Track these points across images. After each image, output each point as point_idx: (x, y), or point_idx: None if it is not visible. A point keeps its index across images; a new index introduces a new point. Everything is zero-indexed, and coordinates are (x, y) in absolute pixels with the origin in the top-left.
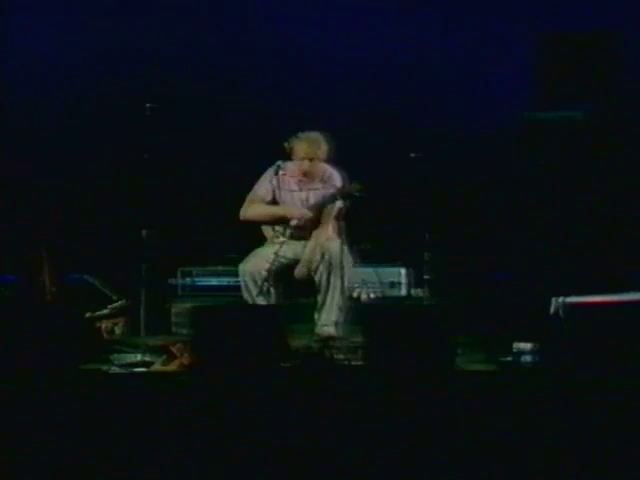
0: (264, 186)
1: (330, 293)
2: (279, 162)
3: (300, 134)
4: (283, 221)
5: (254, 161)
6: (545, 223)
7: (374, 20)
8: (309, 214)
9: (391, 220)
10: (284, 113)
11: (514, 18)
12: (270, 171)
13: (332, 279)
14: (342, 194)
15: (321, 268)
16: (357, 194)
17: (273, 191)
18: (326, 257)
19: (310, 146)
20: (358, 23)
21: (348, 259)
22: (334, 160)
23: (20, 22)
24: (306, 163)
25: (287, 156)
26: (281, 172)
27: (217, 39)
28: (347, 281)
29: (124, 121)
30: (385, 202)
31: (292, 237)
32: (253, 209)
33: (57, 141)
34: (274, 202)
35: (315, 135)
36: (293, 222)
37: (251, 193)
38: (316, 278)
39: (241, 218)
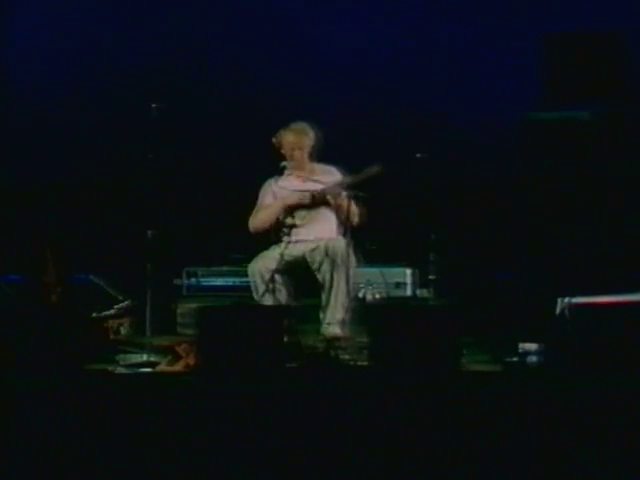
0: (266, 197)
1: (334, 292)
2: (284, 163)
3: (285, 127)
4: (287, 210)
5: (259, 161)
6: (551, 223)
7: (378, 20)
8: (307, 196)
9: (396, 220)
10: (287, 113)
11: (519, 18)
12: (270, 180)
13: (336, 278)
14: (345, 185)
15: (325, 267)
16: (362, 181)
17: (275, 197)
18: (330, 255)
19: (296, 135)
20: (361, 24)
21: (351, 259)
22: (331, 156)
23: (22, 21)
24: (297, 154)
25: (277, 151)
26: (287, 172)
27: (223, 39)
28: (351, 281)
29: (129, 121)
30: (390, 202)
31: (304, 219)
32: (258, 217)
33: (62, 141)
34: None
35: (301, 125)
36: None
37: (256, 207)
38: (320, 277)
39: (251, 231)
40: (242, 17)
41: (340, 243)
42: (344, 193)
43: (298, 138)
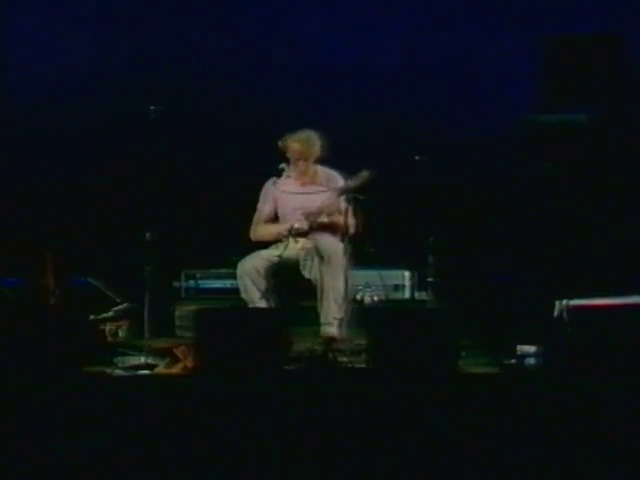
0: (267, 204)
1: (327, 292)
2: (282, 165)
3: (293, 133)
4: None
5: (258, 163)
6: (549, 226)
7: (378, 22)
8: (306, 224)
9: (395, 222)
10: (287, 116)
11: (518, 21)
12: (268, 184)
13: (327, 277)
14: (342, 191)
15: (315, 267)
16: (358, 186)
17: (275, 202)
18: (321, 255)
19: (303, 145)
20: (362, 25)
21: (343, 259)
22: (329, 158)
23: (21, 24)
24: (301, 164)
25: (282, 155)
26: (285, 175)
27: (222, 41)
28: (346, 280)
29: (128, 123)
30: (389, 204)
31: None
32: (260, 230)
33: (61, 143)
34: (278, 217)
35: (308, 134)
36: (296, 225)
37: (256, 213)
38: (311, 278)
39: (253, 239)
40: (241, 19)
41: (331, 244)
42: (342, 198)
43: (305, 148)
